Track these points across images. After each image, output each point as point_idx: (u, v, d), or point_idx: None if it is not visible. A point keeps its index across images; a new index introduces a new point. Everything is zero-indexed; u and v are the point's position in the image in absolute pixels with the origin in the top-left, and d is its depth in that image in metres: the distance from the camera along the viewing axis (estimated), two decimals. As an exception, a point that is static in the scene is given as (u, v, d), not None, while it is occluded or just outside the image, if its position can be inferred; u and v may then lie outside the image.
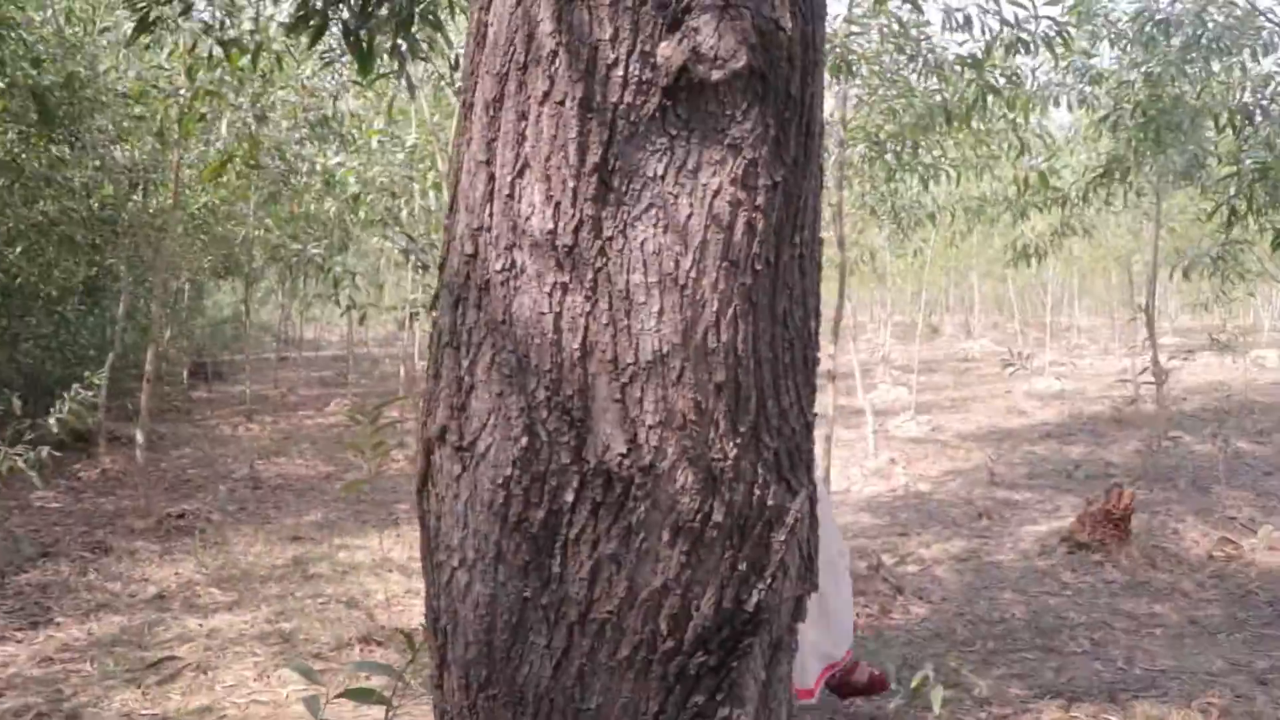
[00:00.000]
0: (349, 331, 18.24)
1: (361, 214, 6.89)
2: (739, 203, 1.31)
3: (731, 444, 1.36)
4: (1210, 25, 6.46)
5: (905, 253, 14.16)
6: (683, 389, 1.32)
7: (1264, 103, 6.57)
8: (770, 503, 1.41)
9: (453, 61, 4.34)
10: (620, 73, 1.28)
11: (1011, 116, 6.94)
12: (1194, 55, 6.57)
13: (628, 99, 1.29)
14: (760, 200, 1.32)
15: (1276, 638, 4.53)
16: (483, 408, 1.38)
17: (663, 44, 1.27)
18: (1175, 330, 24.22)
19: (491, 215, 1.35)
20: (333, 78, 6.47)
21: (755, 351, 1.36)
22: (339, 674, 3.82)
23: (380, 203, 6.65)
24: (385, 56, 2.98)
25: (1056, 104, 7.60)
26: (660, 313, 1.31)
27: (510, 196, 1.33)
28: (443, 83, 6.44)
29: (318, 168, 6.70)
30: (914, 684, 3.03)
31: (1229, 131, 6.88)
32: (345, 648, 4.23)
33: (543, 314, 1.32)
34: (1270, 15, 6.32)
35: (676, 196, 1.30)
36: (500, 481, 1.37)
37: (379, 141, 6.49)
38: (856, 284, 15.38)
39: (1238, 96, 6.83)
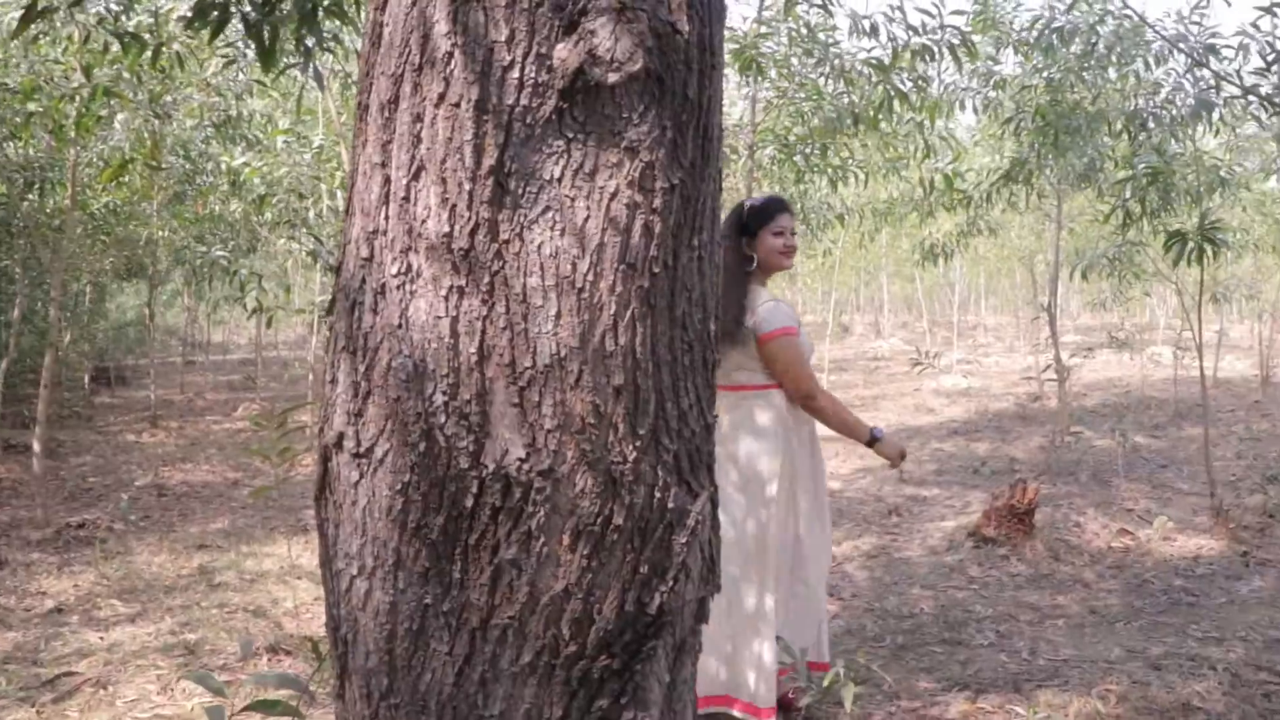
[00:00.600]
0: (257, 335, 17.87)
1: (268, 215, 6.76)
2: (636, 205, 1.31)
3: (631, 447, 1.36)
4: (1103, 35, 6.67)
5: (815, 253, 14.35)
6: (581, 392, 1.32)
7: (1155, 110, 6.81)
8: (671, 505, 1.41)
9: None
10: (516, 75, 1.27)
11: (918, 120, 7.08)
12: (1089, 63, 6.78)
13: (524, 101, 1.28)
14: (658, 203, 1.33)
15: (1170, 625, 4.69)
16: (380, 413, 1.36)
17: (559, 46, 1.26)
18: (1076, 328, 24.97)
19: (387, 218, 1.33)
20: (238, 75, 6.34)
21: (654, 354, 1.36)
22: (245, 685, 3.74)
23: (287, 204, 6.53)
24: (290, 51, 2.92)
25: (962, 108, 7.78)
26: (558, 316, 1.30)
27: (406, 199, 1.31)
28: (350, 80, 6.36)
29: (223, 168, 6.56)
30: (826, 681, 3.07)
31: (1124, 137, 7.12)
32: (253, 658, 4.14)
33: (439, 318, 1.31)
34: (1159, 28, 6.54)
35: (573, 199, 1.29)
36: (399, 488, 1.35)
37: (285, 142, 6.37)
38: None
39: (1131, 104, 7.07)
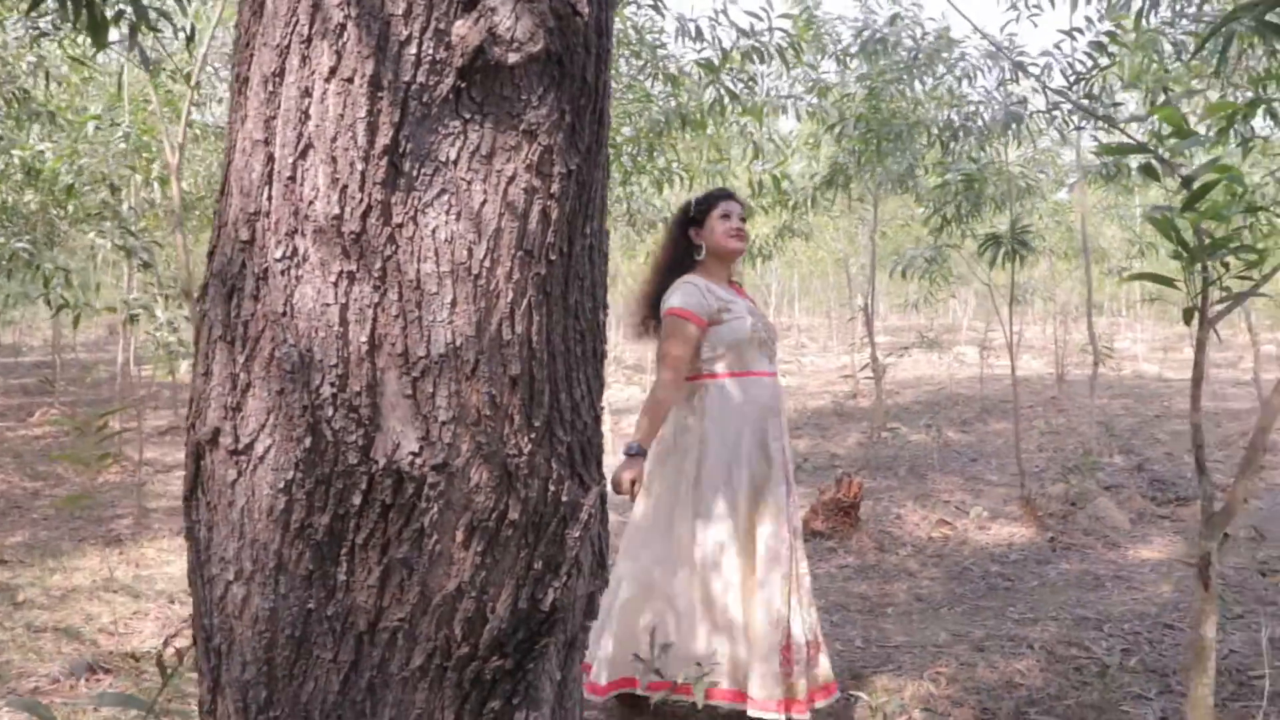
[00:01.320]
0: (54, 336, 16.69)
1: (70, 208, 6.29)
2: (534, 190, 1.28)
3: (526, 439, 1.33)
4: (917, 47, 7.00)
5: (638, 254, 14.49)
6: (477, 383, 1.28)
7: (965, 121, 7.19)
8: (565, 499, 1.38)
9: (188, 31, 4.03)
10: (413, 51, 1.22)
11: (744, 123, 7.25)
12: (903, 74, 7.10)
13: (420, 79, 1.22)
14: (555, 188, 1.30)
15: (989, 608, 4.95)
16: (261, 407, 1.28)
17: (458, 23, 1.22)
18: (885, 329, 26.10)
19: (271, 199, 1.25)
20: (34, 47, 5.86)
21: (549, 344, 1.33)
22: (65, 709, 3.47)
23: (97, 195, 6.10)
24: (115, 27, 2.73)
25: (784, 112, 8.01)
26: (453, 304, 1.26)
27: (292, 179, 1.24)
28: (176, 59, 6.01)
29: (15, 156, 6.08)
30: (680, 677, 3.10)
31: (936, 145, 7.49)
32: (68, 678, 3.85)
33: (328, 305, 1.24)
34: (976, 41, 6.92)
35: (470, 183, 1.25)
36: (281, 486, 1.28)
37: (96, 127, 5.96)
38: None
39: (944, 114, 7.44)
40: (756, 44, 5.92)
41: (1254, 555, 5.60)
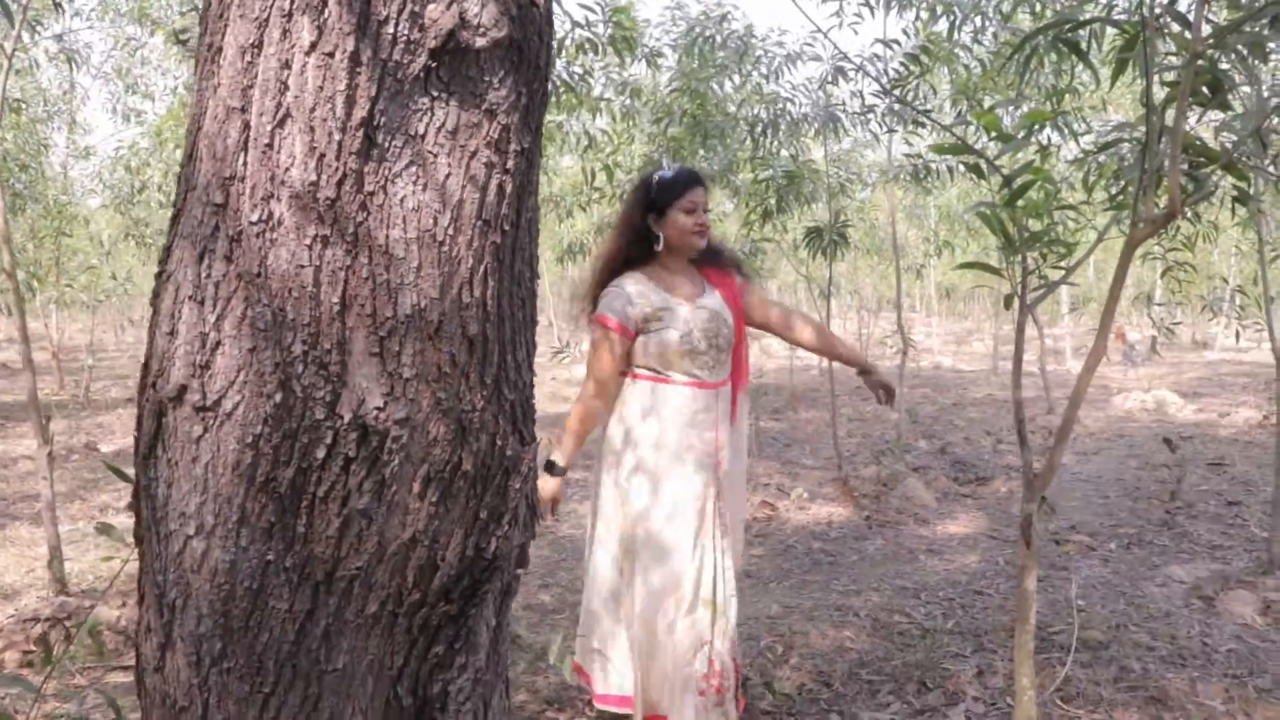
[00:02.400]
0: None
1: None
2: (493, 165, 1.40)
3: (479, 396, 1.44)
4: (729, 44, 7.32)
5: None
6: (439, 342, 1.38)
7: (777, 118, 7.56)
8: (509, 453, 1.51)
9: None
10: (391, 30, 1.31)
11: (576, 114, 7.41)
12: (716, 71, 7.40)
13: (396, 56, 1.32)
14: (510, 164, 1.42)
15: (816, 581, 5.28)
16: (231, 364, 1.34)
17: (431, 6, 1.32)
18: (695, 323, 26.77)
19: (246, 164, 1.32)
20: None
21: (500, 308, 1.45)
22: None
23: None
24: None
25: (601, 113, 8.20)
26: (419, 268, 1.36)
27: (269, 146, 1.31)
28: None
29: None
30: (550, 654, 3.21)
31: (749, 141, 7.85)
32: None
33: (302, 267, 1.32)
34: (768, 43, 7.32)
35: (436, 156, 1.36)
36: (249, 441, 1.35)
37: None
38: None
39: (759, 111, 7.80)
40: (591, 35, 6.08)
41: (1046, 527, 6.17)
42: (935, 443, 8.94)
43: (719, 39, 7.22)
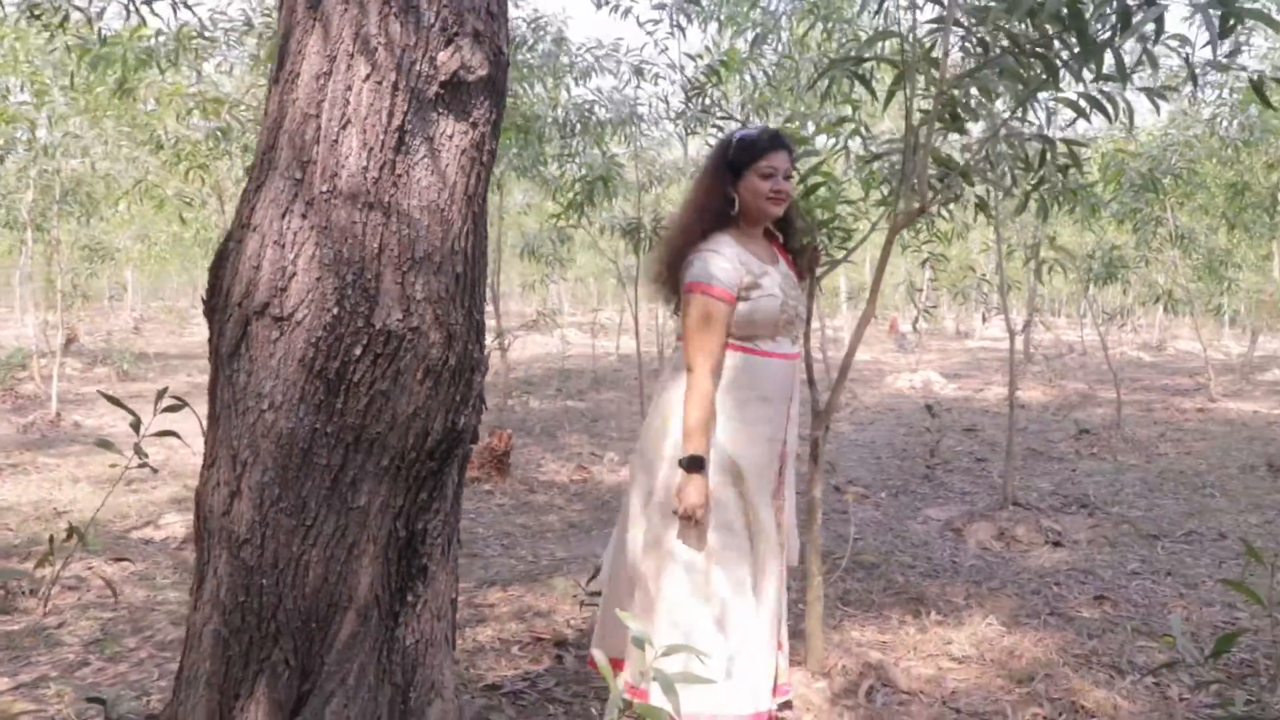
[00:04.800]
0: None
1: None
2: (474, 159, 2.13)
3: (461, 314, 2.17)
4: (536, 49, 8.07)
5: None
6: (439, 277, 2.11)
7: (584, 119, 8.39)
8: (475, 355, 2.24)
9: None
10: (418, 68, 2.03)
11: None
12: (528, 73, 8.14)
13: (420, 85, 2.03)
14: (484, 159, 2.16)
15: (632, 529, 6.14)
16: (302, 289, 2.02)
17: (441, 53, 2.04)
18: (507, 313, 27.41)
19: (318, 153, 2.00)
20: None
21: (475, 255, 2.18)
22: None
23: None
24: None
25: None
26: (428, 227, 2.08)
27: (335, 142, 2.00)
28: None
29: None
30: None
31: (557, 137, 8.63)
32: None
33: (353, 224, 2.02)
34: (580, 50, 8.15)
35: (440, 152, 2.08)
36: (312, 341, 2.03)
37: None
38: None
39: (562, 114, 8.59)
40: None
41: (829, 480, 7.24)
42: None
43: (529, 42, 7.95)
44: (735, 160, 2.99)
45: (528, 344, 18.64)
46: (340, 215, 2.02)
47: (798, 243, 3.34)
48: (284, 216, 2.03)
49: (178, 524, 5.92)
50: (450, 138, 2.09)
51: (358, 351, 2.06)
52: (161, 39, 5.90)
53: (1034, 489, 6.94)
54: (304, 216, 2.02)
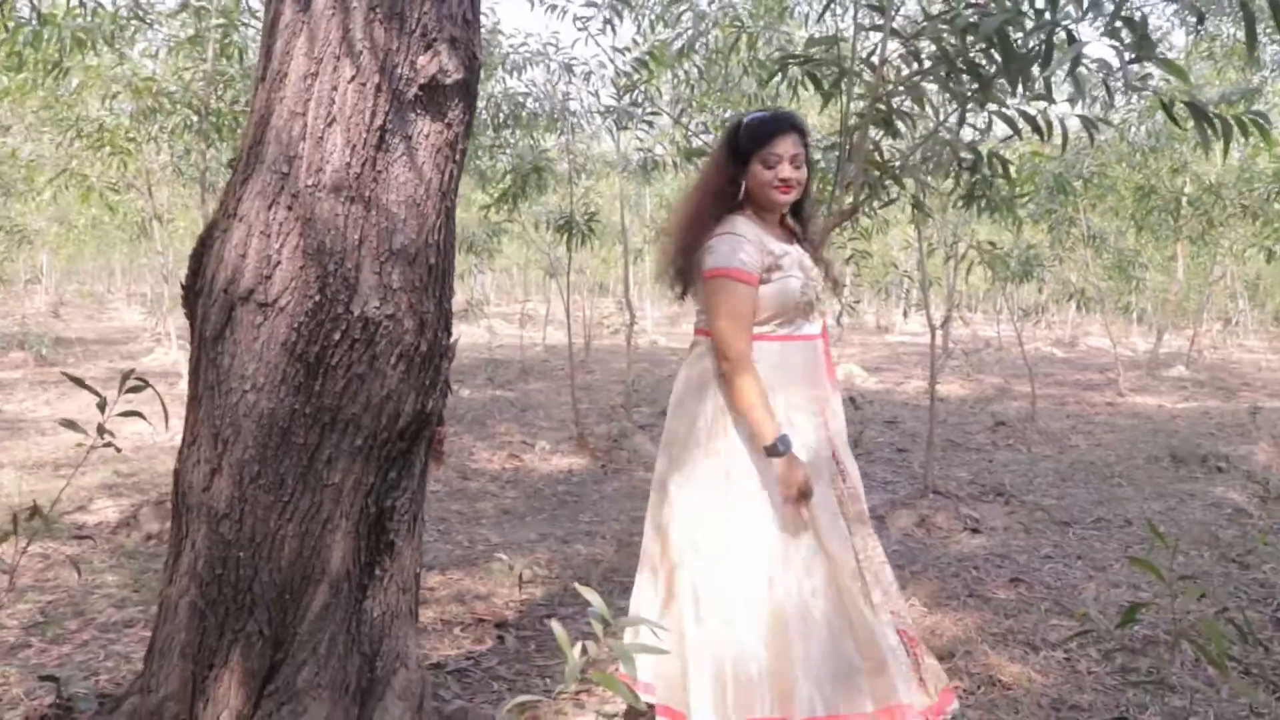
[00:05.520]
0: None
1: None
2: (448, 157, 2.27)
3: (432, 303, 2.31)
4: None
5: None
6: (414, 268, 2.25)
7: (515, 112, 8.52)
8: (444, 343, 2.38)
9: None
10: (399, 71, 2.16)
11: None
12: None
13: (400, 87, 2.17)
14: (457, 157, 2.30)
15: (564, 515, 6.30)
16: (286, 276, 2.15)
17: (421, 57, 2.18)
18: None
19: (304, 149, 2.13)
20: None
21: (447, 248, 2.33)
22: None
23: None
24: None
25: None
26: (405, 220, 2.22)
27: (320, 139, 2.13)
28: None
29: None
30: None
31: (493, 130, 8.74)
32: None
33: (336, 216, 2.15)
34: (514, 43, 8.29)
35: (417, 150, 2.22)
36: (294, 327, 2.16)
37: None
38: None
39: (494, 106, 8.71)
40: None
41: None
42: (655, 407, 10.17)
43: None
44: (742, 146, 2.87)
45: (455, 333, 18.63)
46: (324, 208, 2.15)
47: (814, 233, 3.17)
48: (270, 208, 2.16)
49: (110, 509, 5.94)
50: (427, 137, 2.24)
51: (337, 337, 2.19)
52: (96, 21, 5.89)
53: (953, 478, 7.25)
54: (289, 209, 2.15)
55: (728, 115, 8.25)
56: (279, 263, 2.16)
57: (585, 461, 7.85)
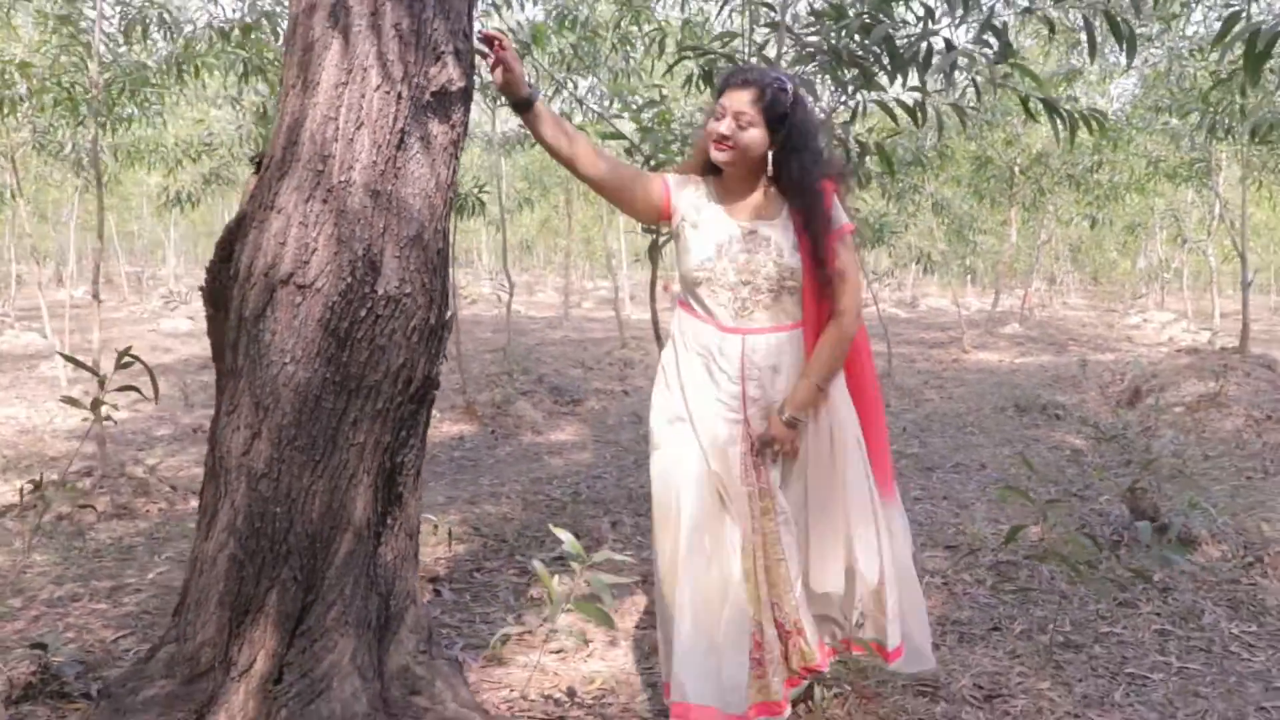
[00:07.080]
0: None
1: None
2: (452, 155, 2.63)
3: (439, 282, 2.68)
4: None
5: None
6: (426, 251, 2.60)
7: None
8: (446, 317, 2.74)
9: None
10: (416, 80, 2.51)
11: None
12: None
13: (417, 94, 2.52)
14: (458, 154, 2.66)
15: (466, 479, 6.65)
16: (321, 261, 2.48)
17: (431, 68, 2.52)
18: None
19: (336, 149, 2.46)
20: None
21: (447, 234, 2.68)
22: None
23: None
24: None
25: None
26: (420, 210, 2.57)
27: (351, 141, 2.46)
28: None
29: None
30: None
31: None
32: None
33: (365, 207, 2.49)
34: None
35: (429, 149, 2.57)
36: (329, 306, 2.49)
37: None
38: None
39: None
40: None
41: (641, 432, 7.94)
42: (532, 374, 10.56)
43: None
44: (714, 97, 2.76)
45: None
46: (354, 201, 2.49)
47: (798, 201, 2.76)
48: (307, 201, 2.48)
49: (7, 493, 6.01)
50: (436, 137, 2.59)
51: (364, 314, 2.53)
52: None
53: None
54: (324, 202, 2.48)
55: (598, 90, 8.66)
56: (315, 249, 2.48)
57: (474, 428, 8.20)
